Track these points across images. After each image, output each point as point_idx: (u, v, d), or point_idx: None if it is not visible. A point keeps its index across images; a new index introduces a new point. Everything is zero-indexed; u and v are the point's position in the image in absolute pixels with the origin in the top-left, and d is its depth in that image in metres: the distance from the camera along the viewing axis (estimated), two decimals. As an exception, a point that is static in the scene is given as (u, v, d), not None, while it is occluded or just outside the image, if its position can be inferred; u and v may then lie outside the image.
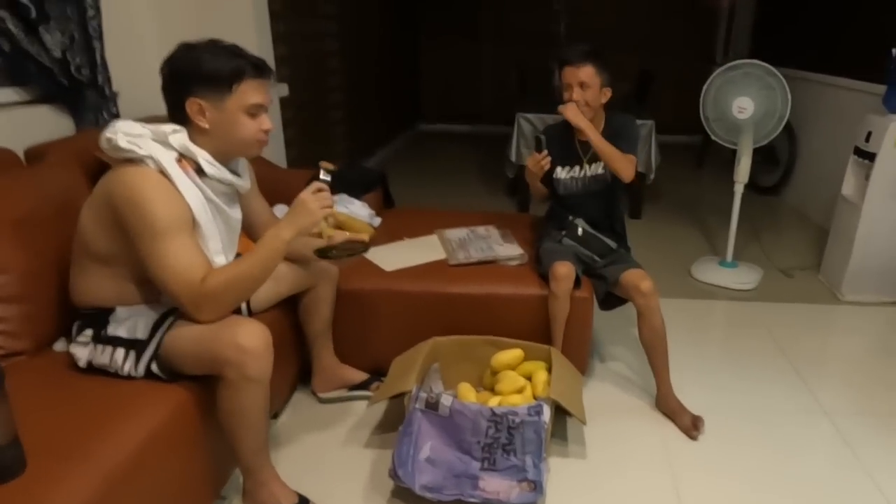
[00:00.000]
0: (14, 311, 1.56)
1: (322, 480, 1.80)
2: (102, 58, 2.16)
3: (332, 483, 1.80)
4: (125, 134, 1.43)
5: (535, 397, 1.90)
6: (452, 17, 6.96)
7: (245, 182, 1.65)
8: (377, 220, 2.60)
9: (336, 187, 2.60)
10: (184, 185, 1.45)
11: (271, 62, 2.95)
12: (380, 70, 5.67)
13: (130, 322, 1.53)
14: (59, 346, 1.64)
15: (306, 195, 1.54)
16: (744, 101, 2.96)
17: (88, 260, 1.53)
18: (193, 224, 1.47)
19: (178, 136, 1.47)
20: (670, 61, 6.66)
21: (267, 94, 1.53)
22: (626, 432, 2.05)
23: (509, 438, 1.70)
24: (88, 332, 1.53)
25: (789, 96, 2.91)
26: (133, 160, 1.43)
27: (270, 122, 1.56)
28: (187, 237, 1.44)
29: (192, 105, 1.46)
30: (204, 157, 1.49)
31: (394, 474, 1.66)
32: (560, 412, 1.89)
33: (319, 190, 1.56)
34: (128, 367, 1.48)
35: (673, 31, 6.69)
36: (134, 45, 2.35)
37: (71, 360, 1.53)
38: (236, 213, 1.67)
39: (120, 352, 1.49)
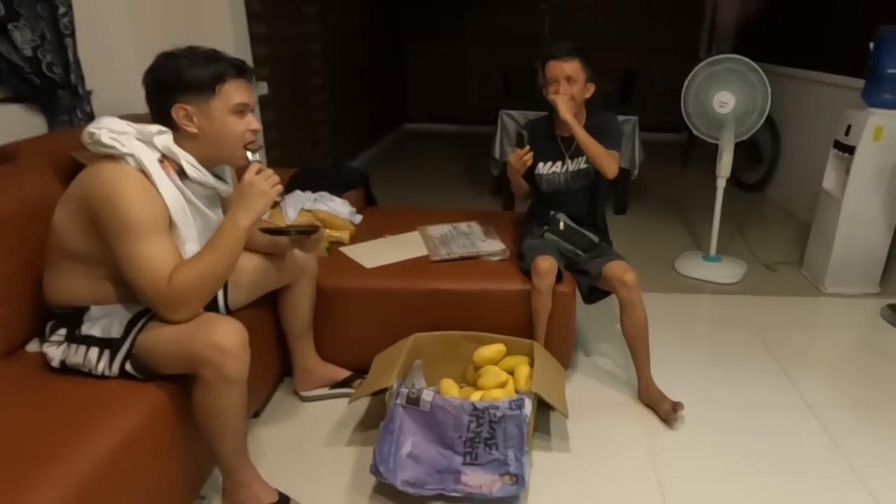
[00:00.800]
0: (-17, 312, 1.54)
1: (304, 478, 1.78)
2: (75, 56, 2.13)
3: (314, 481, 1.78)
4: (109, 130, 1.43)
5: (517, 391, 1.90)
6: (437, 17, 6.96)
7: (228, 187, 1.65)
8: (358, 218, 2.59)
9: (316, 186, 2.59)
10: (163, 185, 1.44)
11: (249, 61, 2.93)
12: (364, 70, 5.66)
13: (105, 321, 1.51)
14: (32, 346, 1.61)
15: (251, 177, 1.52)
16: (725, 96, 2.97)
17: (63, 258, 1.51)
18: (170, 225, 1.46)
19: (163, 137, 1.47)
20: (655, 59, 6.69)
21: (250, 94, 1.55)
22: (610, 426, 2.04)
23: (491, 433, 1.69)
24: (62, 332, 1.51)
25: (769, 91, 2.92)
26: (113, 157, 1.43)
27: (257, 122, 1.57)
28: (163, 237, 1.43)
29: (178, 111, 1.47)
30: (186, 160, 1.49)
31: (375, 470, 1.64)
32: (543, 406, 1.89)
33: (260, 170, 1.54)
34: (101, 367, 1.46)
35: (657, 30, 6.73)
36: (108, 43, 2.32)
37: (44, 361, 1.51)
38: (217, 216, 1.66)
39: (94, 351, 1.47)
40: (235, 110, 1.51)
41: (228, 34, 2.67)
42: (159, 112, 1.49)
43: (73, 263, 1.51)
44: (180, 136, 1.50)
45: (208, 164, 1.55)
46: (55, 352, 1.50)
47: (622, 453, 1.92)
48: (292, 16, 3.94)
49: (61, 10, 2.01)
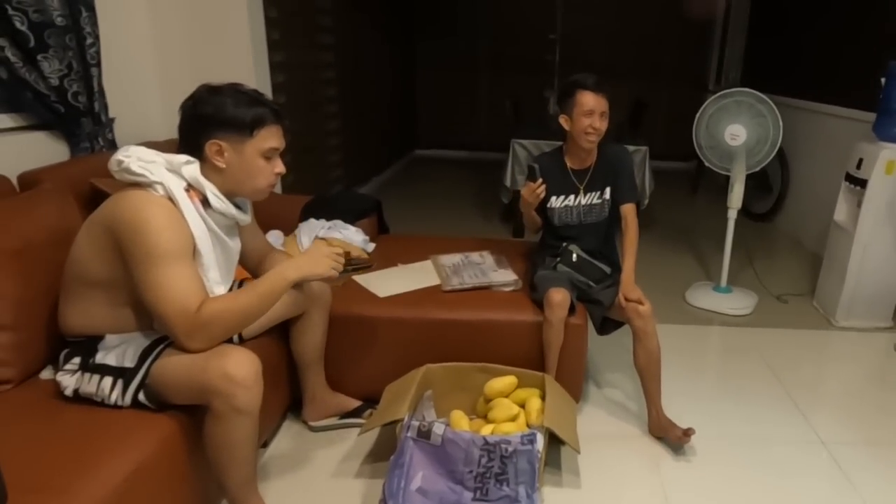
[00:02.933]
0: (3, 340, 1.55)
1: (312, 511, 1.77)
2: (100, 85, 2.18)
3: (323, 514, 1.77)
4: (139, 159, 1.46)
5: (528, 425, 1.88)
6: (449, 45, 7.05)
7: (247, 217, 1.68)
8: (371, 246, 2.60)
9: (330, 214, 2.61)
10: (189, 213, 1.47)
11: (268, 89, 2.98)
12: (376, 97, 5.72)
13: (119, 350, 1.51)
14: (46, 374, 1.62)
15: (326, 250, 1.64)
16: (736, 129, 2.99)
17: (81, 285, 1.52)
18: (194, 253, 1.48)
19: (191, 167, 1.50)
20: (663, 89, 6.75)
21: (282, 140, 1.60)
22: (621, 460, 2.02)
23: (502, 468, 1.67)
24: (76, 361, 1.52)
25: (780, 123, 2.94)
26: (141, 185, 1.45)
27: (282, 165, 1.61)
28: (186, 265, 1.44)
29: (211, 147, 1.50)
30: (212, 191, 1.52)
31: (384, 505, 1.63)
32: (554, 440, 1.87)
33: (339, 255, 1.65)
34: (115, 396, 1.46)
35: (666, 60, 6.78)
36: (131, 72, 2.38)
37: (57, 389, 1.51)
38: (236, 244, 1.69)
39: (107, 380, 1.47)
40: (266, 154, 1.55)
41: (249, 63, 2.72)
42: (192, 142, 1.52)
43: (91, 290, 1.52)
44: (206, 167, 1.52)
45: (230, 196, 1.58)
46: (69, 380, 1.50)
47: (633, 489, 1.90)
48: (309, 44, 4.01)
49: (89, 41, 2.06)
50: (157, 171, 1.45)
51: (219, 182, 1.54)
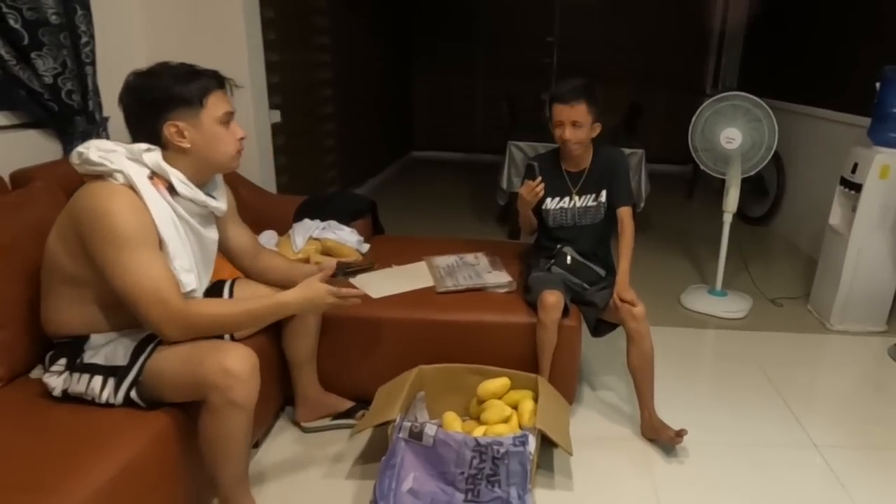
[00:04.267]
0: (-13, 338, 1.54)
1: (303, 512, 1.76)
2: (94, 84, 2.18)
3: (314, 515, 1.76)
4: (98, 149, 1.43)
5: (521, 427, 1.88)
6: (445, 47, 7.06)
7: (221, 205, 1.64)
8: (366, 247, 2.59)
9: (325, 214, 2.60)
10: (152, 200, 1.44)
11: (264, 89, 2.97)
12: (372, 99, 5.72)
13: (108, 348, 1.50)
14: (37, 372, 1.61)
15: (329, 297, 1.62)
16: (732, 132, 2.99)
17: (58, 284, 1.51)
18: (159, 241, 1.45)
19: (152, 154, 1.47)
20: (660, 93, 6.76)
21: (230, 103, 1.58)
22: (614, 463, 2.02)
23: (494, 469, 1.67)
24: (62, 362, 1.51)
25: (776, 127, 2.94)
26: (102, 175, 1.43)
27: (241, 129, 1.60)
28: (151, 251, 1.42)
29: (169, 128, 1.47)
30: (177, 177, 1.49)
31: (375, 506, 1.63)
32: (546, 442, 1.87)
33: (341, 293, 1.64)
34: (106, 395, 1.45)
35: (663, 64, 6.79)
36: (126, 71, 2.35)
37: (46, 388, 1.50)
38: (211, 234, 1.67)
39: (98, 379, 1.46)
40: (222, 120, 1.53)
41: (245, 63, 2.72)
42: (147, 130, 1.48)
43: (68, 289, 1.50)
44: (170, 153, 1.50)
45: (200, 178, 1.56)
46: (56, 381, 1.49)
47: (625, 491, 1.90)
48: (305, 45, 4.00)
49: (84, 39, 2.06)
50: (116, 159, 1.42)
51: (187, 164, 1.52)
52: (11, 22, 1.84)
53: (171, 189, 1.50)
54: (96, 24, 2.14)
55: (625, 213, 2.22)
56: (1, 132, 1.96)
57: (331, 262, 1.77)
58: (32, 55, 1.92)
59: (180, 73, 1.49)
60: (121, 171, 1.42)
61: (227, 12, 2.66)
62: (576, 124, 2.09)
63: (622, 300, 2.06)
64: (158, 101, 1.46)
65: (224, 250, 1.77)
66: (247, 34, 2.72)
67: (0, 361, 1.56)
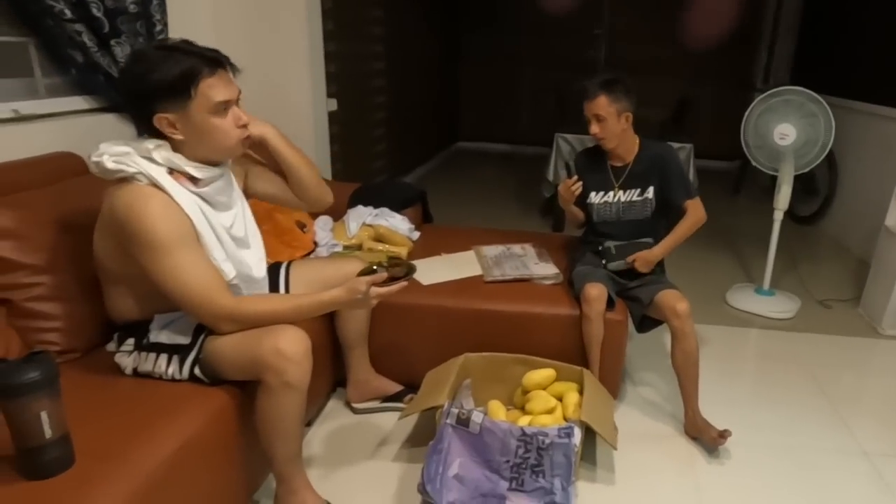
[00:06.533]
0: (70, 311, 1.64)
1: (351, 491, 1.83)
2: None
3: (361, 494, 1.83)
4: (110, 155, 1.40)
5: (565, 419, 1.91)
6: (494, 39, 7.04)
7: (225, 167, 1.58)
8: (416, 235, 2.65)
9: (377, 202, 2.64)
10: (181, 196, 1.42)
11: (322, 78, 3.01)
12: (422, 89, 5.77)
13: (171, 328, 1.56)
14: (111, 346, 1.68)
15: (374, 291, 1.53)
16: (786, 128, 2.94)
17: (111, 281, 1.56)
18: (197, 235, 1.45)
19: (161, 150, 1.42)
20: (708, 87, 6.62)
21: (229, 88, 1.43)
22: (656, 460, 2.03)
23: (538, 459, 1.70)
24: (130, 342, 1.57)
25: (833, 123, 2.87)
26: (125, 178, 1.41)
27: (244, 115, 1.48)
28: (193, 251, 1.43)
29: (161, 121, 1.40)
30: (192, 166, 1.45)
31: (422, 489, 1.66)
32: (589, 435, 1.89)
33: (381, 286, 1.55)
34: (172, 371, 1.52)
35: (712, 58, 6.64)
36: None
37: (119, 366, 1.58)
38: (245, 204, 1.66)
39: (163, 357, 1.52)
40: (215, 110, 1.41)
41: (305, 52, 2.78)
42: (143, 123, 1.42)
43: (118, 286, 1.55)
44: (175, 144, 1.44)
45: (209, 163, 1.50)
46: (126, 360, 1.56)
47: (668, 488, 1.91)
48: (360, 35, 4.07)
49: (157, 27, 2.15)
50: (132, 161, 1.39)
51: (189, 154, 1.45)
52: (94, 11, 1.92)
53: (192, 179, 1.46)
54: (169, 13, 2.22)
55: (690, 205, 2.21)
56: (82, 115, 2.06)
57: (382, 276, 1.62)
58: (112, 42, 2.00)
59: (165, 56, 1.36)
60: (141, 173, 1.39)
61: (290, 1, 2.73)
62: (598, 118, 2.11)
63: (632, 261, 2.14)
64: (140, 92, 1.37)
65: (267, 200, 1.80)
66: (308, 23, 2.78)
67: (77, 335, 1.65)
